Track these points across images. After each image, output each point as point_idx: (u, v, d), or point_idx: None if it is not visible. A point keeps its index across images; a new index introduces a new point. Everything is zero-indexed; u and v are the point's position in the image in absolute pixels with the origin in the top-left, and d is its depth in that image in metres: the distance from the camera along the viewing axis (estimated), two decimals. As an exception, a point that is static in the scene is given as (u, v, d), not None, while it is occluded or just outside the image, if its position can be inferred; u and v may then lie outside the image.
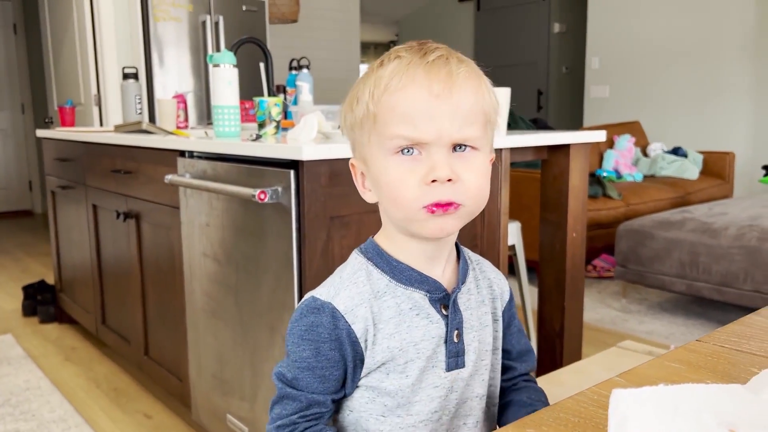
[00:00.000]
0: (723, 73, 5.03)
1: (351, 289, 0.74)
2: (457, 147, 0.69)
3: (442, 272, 0.77)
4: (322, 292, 0.75)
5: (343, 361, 0.73)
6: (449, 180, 0.68)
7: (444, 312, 0.76)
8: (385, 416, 0.75)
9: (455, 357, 0.76)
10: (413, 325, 0.74)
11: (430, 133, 0.68)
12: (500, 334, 0.84)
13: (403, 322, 0.74)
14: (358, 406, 0.76)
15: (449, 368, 0.76)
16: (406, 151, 0.69)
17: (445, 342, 0.75)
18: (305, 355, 0.73)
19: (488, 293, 0.82)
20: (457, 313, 0.76)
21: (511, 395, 0.87)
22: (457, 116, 0.68)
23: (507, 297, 0.86)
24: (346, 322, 0.72)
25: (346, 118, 0.75)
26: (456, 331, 0.76)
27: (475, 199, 0.71)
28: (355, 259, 0.78)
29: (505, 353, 0.87)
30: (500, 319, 0.84)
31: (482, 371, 0.80)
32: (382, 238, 0.78)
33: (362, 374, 0.75)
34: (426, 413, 0.75)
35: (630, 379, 0.58)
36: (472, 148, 0.70)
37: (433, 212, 0.69)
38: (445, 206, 0.69)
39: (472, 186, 0.70)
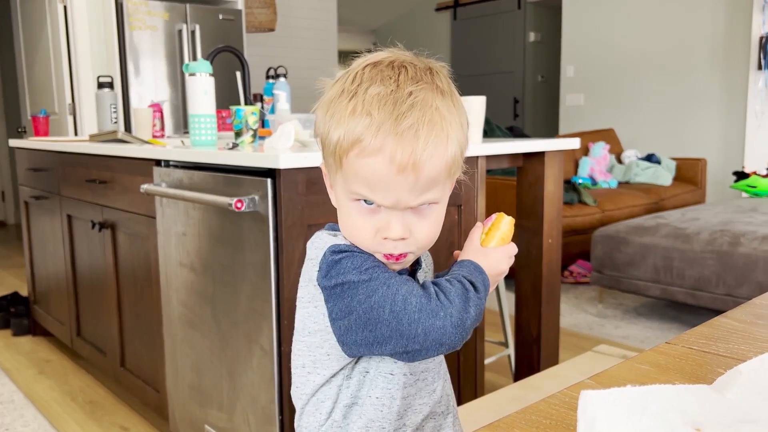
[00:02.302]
0: (695, 81, 5.14)
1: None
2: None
3: None
4: (337, 242, 0.75)
5: None
6: (402, 238, 0.71)
7: None
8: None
9: None
10: None
11: (388, 201, 0.70)
12: None
13: None
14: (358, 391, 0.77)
15: None
16: (367, 201, 0.71)
17: None
18: (368, 267, 0.71)
19: (428, 266, 0.87)
20: None
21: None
22: (417, 187, 0.69)
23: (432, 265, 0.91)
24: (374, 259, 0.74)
25: (320, 127, 0.74)
26: None
27: (425, 247, 0.75)
28: (335, 236, 0.78)
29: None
30: None
31: None
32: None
33: None
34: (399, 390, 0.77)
35: (600, 381, 0.60)
36: (431, 203, 0.72)
37: (388, 259, 0.73)
38: (396, 257, 0.73)
39: (424, 238, 0.73)
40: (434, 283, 0.72)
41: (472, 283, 0.73)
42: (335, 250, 0.73)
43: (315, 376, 0.78)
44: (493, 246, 0.79)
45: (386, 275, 0.71)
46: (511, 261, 0.81)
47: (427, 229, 0.73)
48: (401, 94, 0.69)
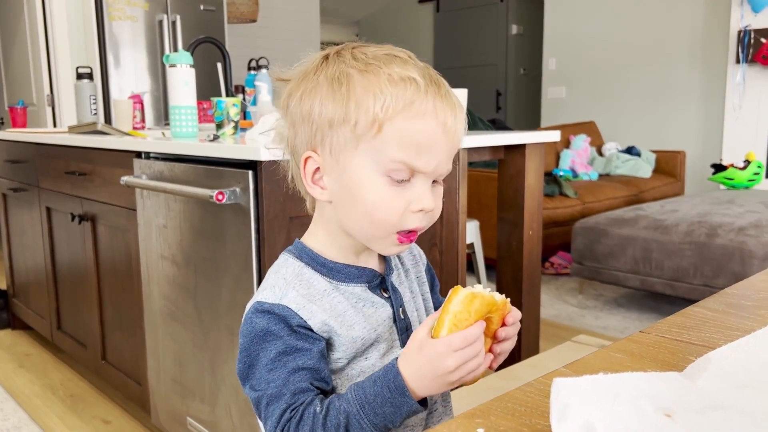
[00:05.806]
0: (674, 75, 5.19)
1: (299, 288, 0.73)
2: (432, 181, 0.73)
3: (370, 257, 0.80)
4: (267, 296, 0.73)
5: (310, 349, 0.71)
6: (431, 210, 0.72)
7: (385, 294, 0.79)
8: None
9: (405, 331, 0.79)
10: (366, 314, 0.76)
11: (431, 165, 0.70)
12: (428, 294, 0.88)
13: (358, 313, 0.75)
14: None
15: (404, 344, 0.78)
16: (396, 177, 0.69)
17: (395, 321, 0.79)
18: (271, 356, 0.70)
19: (410, 260, 0.86)
20: (396, 292, 0.80)
21: None
22: (451, 153, 0.71)
23: (424, 257, 0.90)
24: (301, 318, 0.71)
25: (316, 107, 0.71)
26: (401, 309, 0.80)
27: (432, 224, 0.76)
28: (293, 262, 0.76)
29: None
30: (425, 281, 0.88)
31: None
32: (311, 241, 0.78)
33: (333, 366, 0.74)
34: None
35: (575, 369, 0.61)
36: (441, 182, 0.75)
37: (401, 242, 0.72)
38: (414, 234, 0.73)
39: (437, 215, 0.75)
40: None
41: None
42: (259, 309, 0.72)
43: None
44: (443, 335, 0.63)
45: (284, 378, 0.69)
46: (467, 354, 0.64)
47: (439, 206, 0.75)
48: (420, 65, 0.71)
